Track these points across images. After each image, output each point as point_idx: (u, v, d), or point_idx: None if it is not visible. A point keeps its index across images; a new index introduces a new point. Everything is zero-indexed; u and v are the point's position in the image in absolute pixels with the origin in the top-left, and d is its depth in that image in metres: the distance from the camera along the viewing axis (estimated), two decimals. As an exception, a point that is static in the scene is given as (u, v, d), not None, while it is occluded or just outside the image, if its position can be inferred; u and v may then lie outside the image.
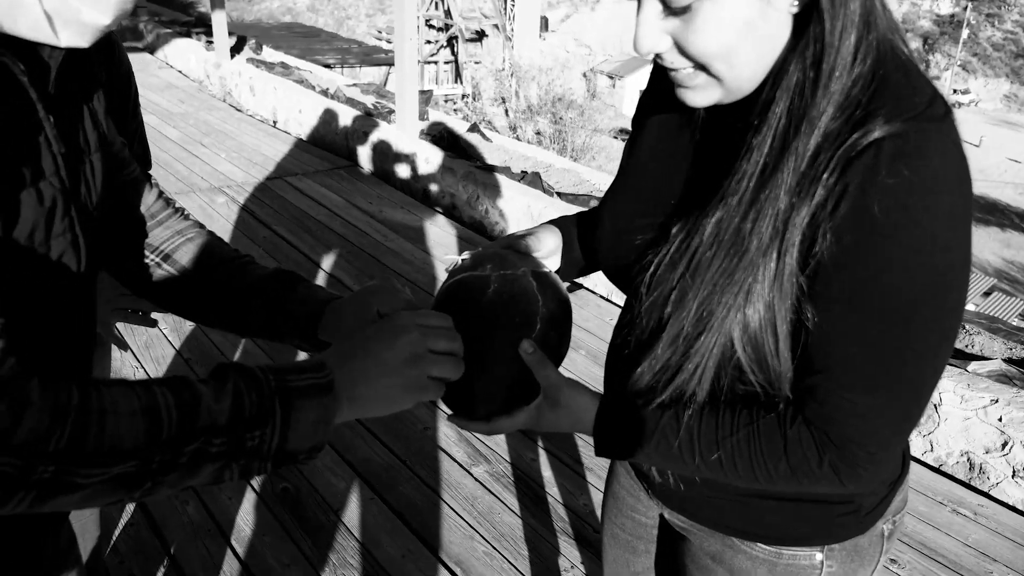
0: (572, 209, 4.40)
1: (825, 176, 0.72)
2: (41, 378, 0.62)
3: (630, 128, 1.05)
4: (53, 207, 0.71)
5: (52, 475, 0.60)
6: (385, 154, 5.60)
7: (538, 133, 29.47)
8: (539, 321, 0.88)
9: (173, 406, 0.67)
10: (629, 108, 47.36)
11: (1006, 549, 2.42)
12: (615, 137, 32.59)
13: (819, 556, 0.96)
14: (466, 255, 0.94)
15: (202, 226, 1.04)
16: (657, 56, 0.79)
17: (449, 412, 0.95)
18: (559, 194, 4.77)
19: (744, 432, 0.84)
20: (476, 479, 2.60)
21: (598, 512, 2.48)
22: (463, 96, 35.94)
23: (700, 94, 0.79)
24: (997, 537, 2.47)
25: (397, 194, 5.28)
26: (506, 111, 33.15)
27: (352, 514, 2.39)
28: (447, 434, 2.81)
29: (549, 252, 1.04)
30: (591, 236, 1.09)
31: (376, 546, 2.27)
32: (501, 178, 4.90)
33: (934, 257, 0.71)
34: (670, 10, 0.74)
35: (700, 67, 0.77)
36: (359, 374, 0.78)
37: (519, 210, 4.60)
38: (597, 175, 5.12)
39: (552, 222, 1.13)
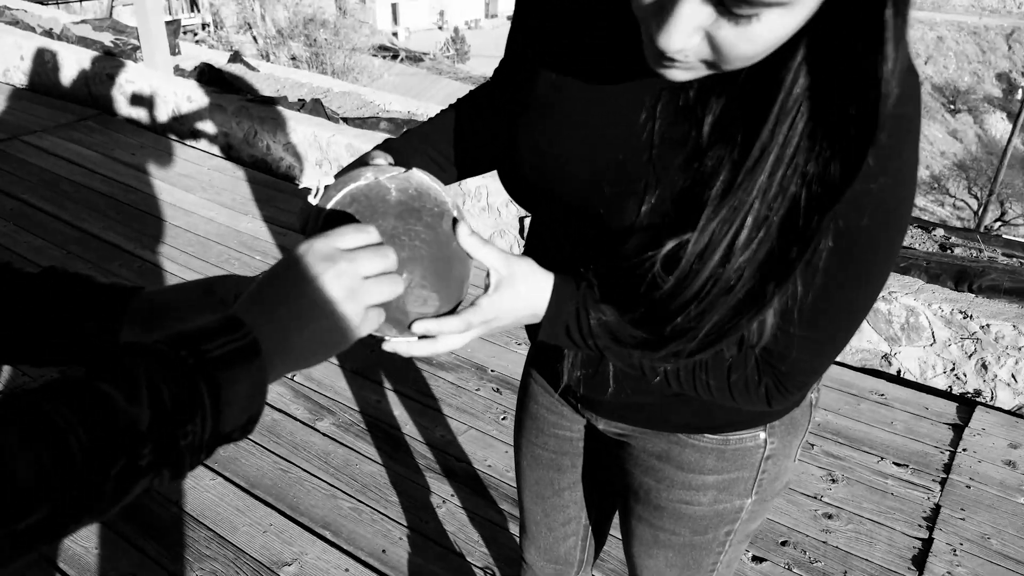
0: (362, 134, 4.17)
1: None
2: None
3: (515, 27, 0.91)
4: None
5: None
6: (139, 97, 5.00)
7: (293, 58, 27.96)
8: (452, 207, 0.77)
9: (77, 421, 0.49)
10: (383, 23, 46.04)
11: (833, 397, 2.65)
12: (375, 55, 31.62)
13: (762, 435, 0.98)
14: (323, 181, 0.79)
15: None
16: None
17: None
18: (344, 119, 4.50)
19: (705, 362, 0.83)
20: (324, 434, 2.44)
21: (459, 440, 2.42)
22: (203, 26, 33.21)
23: (688, 74, 0.68)
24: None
25: (162, 140, 4.76)
26: (254, 38, 31.09)
27: (197, 501, 2.16)
28: (279, 392, 2.60)
29: None
30: (490, 151, 0.99)
31: (232, 531, 2.07)
32: (278, 109, 4.54)
33: (904, 201, 0.72)
34: (729, 15, 0.59)
35: (713, 64, 0.65)
36: (288, 322, 0.63)
37: (305, 141, 4.30)
38: (380, 95, 4.87)
39: (385, 144, 0.99)
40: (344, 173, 0.81)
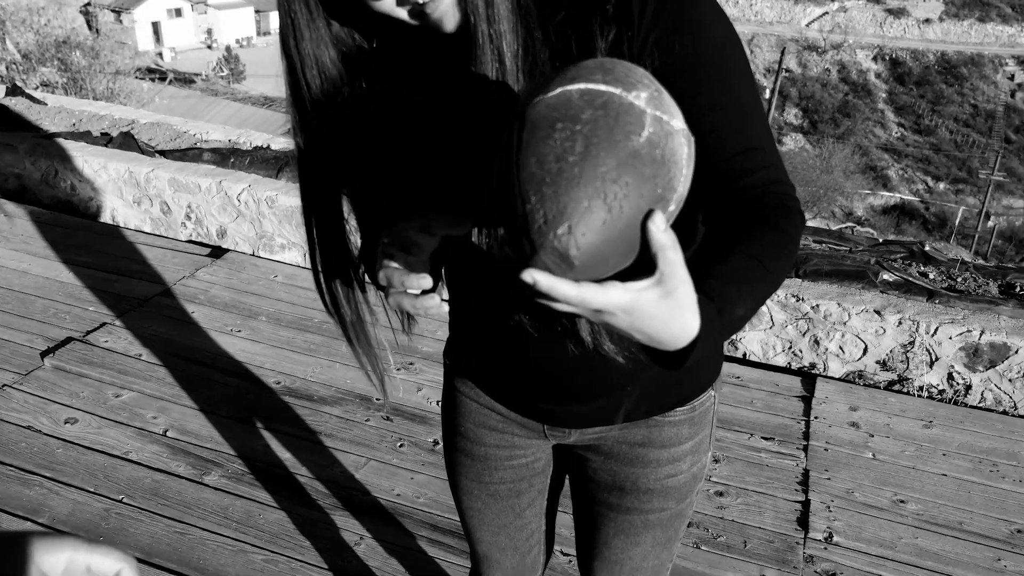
0: (185, 167, 3.96)
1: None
2: None
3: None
4: None
5: None
6: (-96, 140, 4.42)
7: (45, 84, 25.56)
8: (673, 200, 0.65)
9: None
10: (145, 43, 43.17)
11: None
12: (141, 78, 29.58)
13: (712, 392, 1.11)
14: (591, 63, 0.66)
15: None
16: None
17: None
18: (162, 152, 4.24)
19: (751, 241, 0.82)
20: (215, 488, 2.31)
21: (359, 475, 2.38)
22: (-68, 53, 29.52)
23: (450, 9, 0.81)
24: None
25: (-58, 187, 4.24)
26: (-4, 65, 28.03)
27: (90, 580, 1.98)
28: (155, 452, 2.43)
29: None
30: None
31: (141, 604, 1.92)
32: (82, 145, 4.20)
33: (724, 18, 0.86)
34: None
35: None
36: None
37: (119, 178, 4.01)
38: (195, 125, 4.64)
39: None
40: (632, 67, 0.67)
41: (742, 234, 0.83)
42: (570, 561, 2.06)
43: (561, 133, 0.61)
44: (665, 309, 0.68)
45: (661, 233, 0.63)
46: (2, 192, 4.31)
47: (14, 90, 5.04)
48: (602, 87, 0.62)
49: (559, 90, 0.63)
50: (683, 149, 0.63)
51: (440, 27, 0.83)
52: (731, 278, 0.79)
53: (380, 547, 2.13)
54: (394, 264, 0.84)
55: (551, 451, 1.22)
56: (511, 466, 1.19)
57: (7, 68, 27.24)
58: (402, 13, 0.81)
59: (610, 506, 1.16)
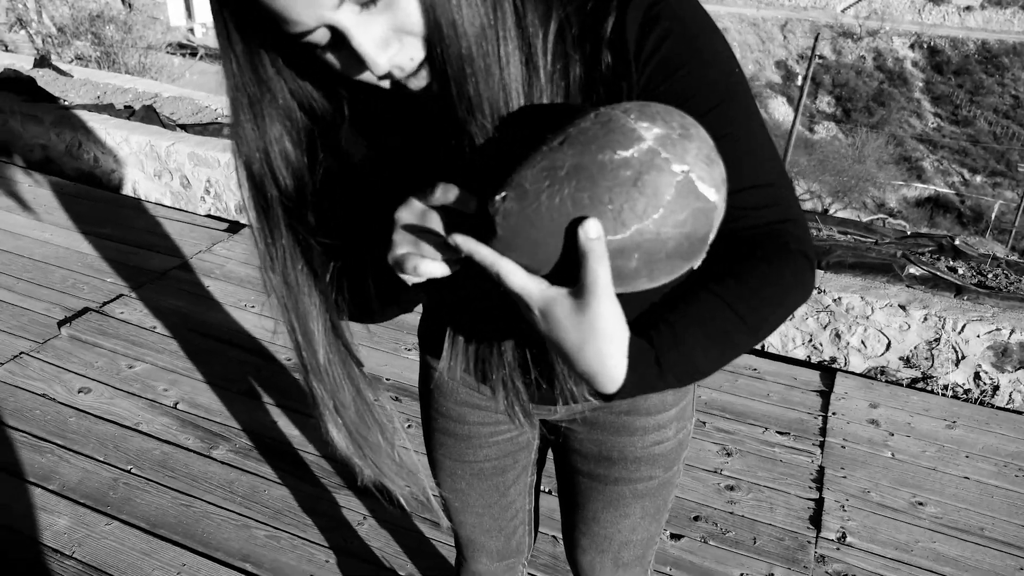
0: (205, 141, 3.95)
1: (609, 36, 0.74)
2: None
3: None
4: None
5: None
6: (-68, 108, 4.46)
7: (79, 58, 25.78)
8: (632, 229, 0.62)
9: None
10: (176, 19, 43.35)
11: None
12: (172, 54, 29.72)
13: None
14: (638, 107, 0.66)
15: None
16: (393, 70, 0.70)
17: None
18: (183, 127, 4.24)
19: (728, 283, 0.75)
20: (222, 462, 2.30)
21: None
22: (-32, 23, 29.85)
23: (418, 78, 0.73)
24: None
25: (-33, 156, 4.27)
26: (30, 37, 28.35)
27: (94, 551, 1.98)
28: (164, 424, 2.43)
29: None
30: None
31: (143, 577, 1.92)
32: (106, 118, 4.21)
33: (728, 48, 0.79)
34: (371, 4, 0.65)
35: (427, 45, 0.70)
36: None
37: (140, 151, 4.01)
38: (217, 99, 4.63)
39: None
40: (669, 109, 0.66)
41: (721, 274, 0.76)
42: (575, 550, 2.03)
43: (558, 132, 0.65)
44: (576, 324, 0.66)
45: (588, 240, 0.62)
46: (27, 163, 4.34)
47: (42, 62, 5.07)
48: (618, 112, 0.64)
49: (596, 108, 0.67)
50: (668, 189, 0.61)
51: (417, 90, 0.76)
52: (688, 322, 0.72)
53: (384, 527, 2.12)
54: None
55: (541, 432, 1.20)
56: (495, 442, 1.17)
57: (43, 41, 27.50)
58: (383, 82, 0.74)
59: (597, 478, 1.14)
